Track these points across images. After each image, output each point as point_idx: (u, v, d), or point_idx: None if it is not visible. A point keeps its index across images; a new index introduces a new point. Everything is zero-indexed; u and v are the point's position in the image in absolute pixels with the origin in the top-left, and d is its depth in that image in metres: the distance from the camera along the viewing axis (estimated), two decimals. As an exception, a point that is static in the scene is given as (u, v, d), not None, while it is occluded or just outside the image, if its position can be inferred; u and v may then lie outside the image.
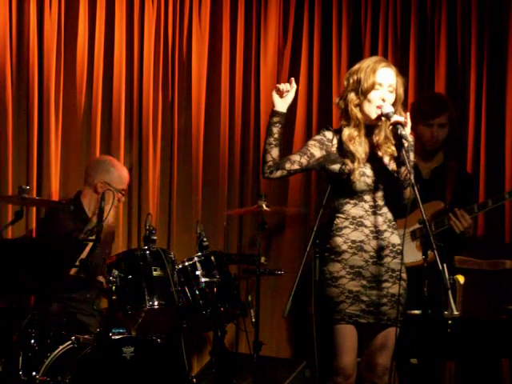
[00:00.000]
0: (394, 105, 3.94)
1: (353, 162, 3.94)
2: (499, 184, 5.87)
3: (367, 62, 3.98)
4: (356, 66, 4.01)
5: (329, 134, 4.01)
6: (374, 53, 5.87)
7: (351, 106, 3.96)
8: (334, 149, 3.99)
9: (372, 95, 3.93)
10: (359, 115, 3.96)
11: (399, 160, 3.91)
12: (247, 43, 6.08)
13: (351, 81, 3.98)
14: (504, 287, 5.50)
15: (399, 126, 3.86)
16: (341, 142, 3.98)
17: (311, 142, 4.01)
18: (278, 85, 4.00)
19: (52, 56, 5.62)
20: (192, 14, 5.94)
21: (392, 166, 3.97)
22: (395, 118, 3.87)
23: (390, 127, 3.92)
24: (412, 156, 3.96)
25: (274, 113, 3.99)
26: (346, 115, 3.99)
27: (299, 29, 6.11)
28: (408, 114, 3.92)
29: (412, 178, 3.85)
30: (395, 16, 6.12)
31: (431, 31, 6.11)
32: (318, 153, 3.98)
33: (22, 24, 5.57)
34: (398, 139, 3.87)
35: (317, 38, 6.10)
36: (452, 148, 5.56)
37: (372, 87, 3.92)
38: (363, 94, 3.93)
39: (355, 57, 5.73)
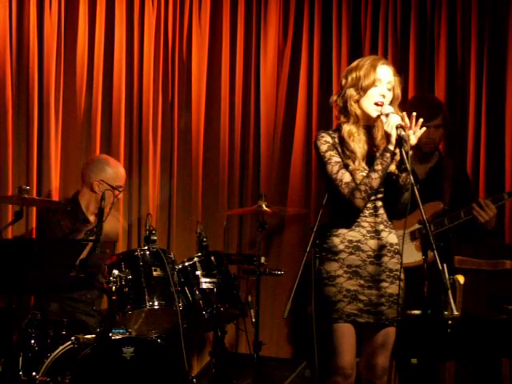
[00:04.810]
0: (391, 103, 3.94)
1: (354, 161, 3.93)
2: (499, 184, 5.87)
3: (366, 60, 3.99)
4: (354, 64, 4.01)
5: (329, 138, 3.98)
6: (374, 52, 5.85)
7: (350, 101, 3.96)
8: (339, 151, 3.99)
9: (372, 91, 3.93)
10: (358, 111, 3.96)
11: (400, 163, 3.90)
12: (247, 43, 6.08)
13: (349, 78, 3.97)
14: (504, 287, 5.50)
15: (399, 128, 3.85)
16: (340, 142, 3.97)
17: (329, 153, 3.95)
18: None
19: (52, 56, 5.62)
20: (192, 14, 5.95)
21: (391, 167, 3.95)
22: (395, 120, 3.85)
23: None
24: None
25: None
26: (345, 112, 3.99)
27: (299, 29, 6.11)
28: (404, 113, 3.90)
29: (411, 178, 3.84)
30: (395, 16, 6.12)
31: (431, 31, 6.11)
32: (339, 157, 3.97)
33: (22, 24, 5.58)
34: (398, 140, 3.86)
35: (317, 38, 6.10)
36: (448, 147, 5.55)
37: (372, 83, 3.92)
38: (363, 90, 3.93)
39: (355, 56, 5.66)
